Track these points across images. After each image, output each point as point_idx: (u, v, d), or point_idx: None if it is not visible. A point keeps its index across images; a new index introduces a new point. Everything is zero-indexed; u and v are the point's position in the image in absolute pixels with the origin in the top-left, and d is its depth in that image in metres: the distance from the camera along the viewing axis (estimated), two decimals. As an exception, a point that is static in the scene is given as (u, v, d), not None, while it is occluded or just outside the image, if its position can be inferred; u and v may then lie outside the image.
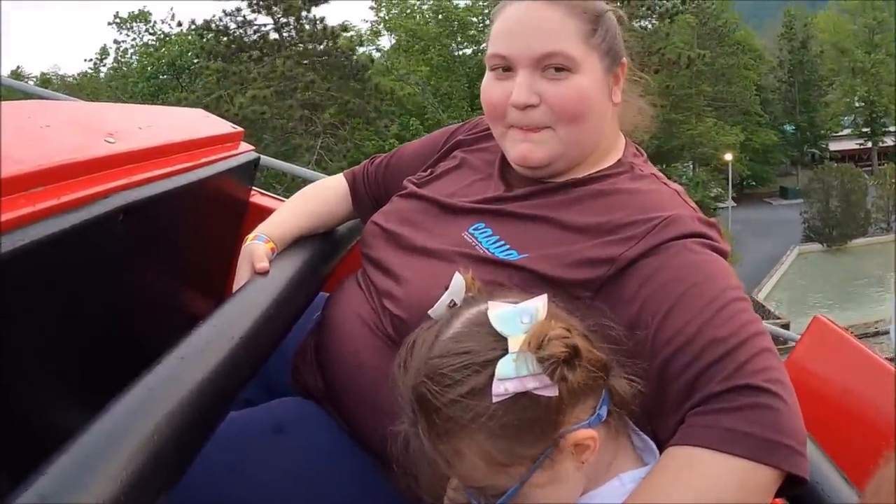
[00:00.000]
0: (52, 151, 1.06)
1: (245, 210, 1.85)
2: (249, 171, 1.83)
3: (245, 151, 1.78)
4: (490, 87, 1.21)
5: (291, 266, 1.36)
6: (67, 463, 0.70)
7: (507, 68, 1.17)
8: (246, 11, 25.89)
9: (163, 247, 1.41)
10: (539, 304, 0.78)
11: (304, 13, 25.57)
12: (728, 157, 33.01)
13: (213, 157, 1.57)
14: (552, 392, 0.75)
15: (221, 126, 1.78)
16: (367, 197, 1.57)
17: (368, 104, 26.38)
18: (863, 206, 36.02)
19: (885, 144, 45.84)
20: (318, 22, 25.62)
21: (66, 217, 1.01)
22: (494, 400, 0.75)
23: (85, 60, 46.12)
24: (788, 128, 43.77)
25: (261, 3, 25.25)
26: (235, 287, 1.29)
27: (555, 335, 0.76)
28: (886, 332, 21.62)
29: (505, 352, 0.76)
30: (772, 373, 0.88)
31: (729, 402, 0.85)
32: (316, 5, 25.65)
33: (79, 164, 1.10)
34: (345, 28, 27.98)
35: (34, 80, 38.59)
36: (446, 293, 0.87)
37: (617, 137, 1.27)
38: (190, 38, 38.13)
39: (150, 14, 43.85)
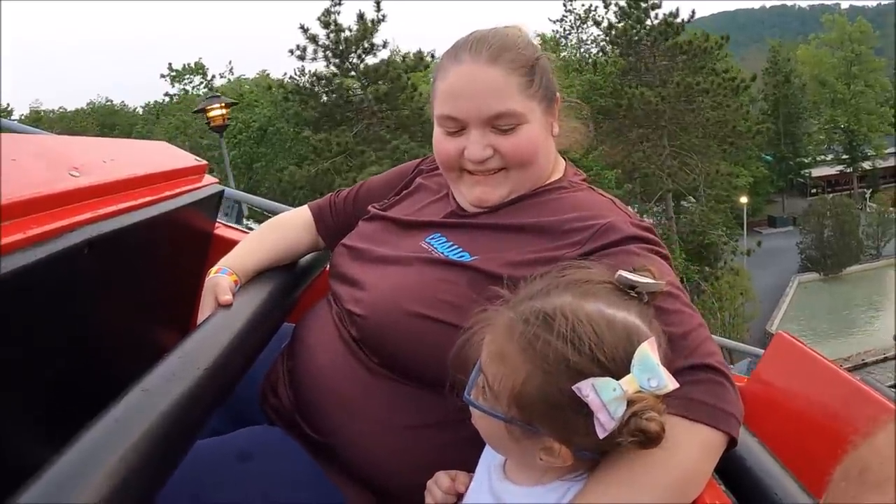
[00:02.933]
0: (19, 185, 1.08)
1: (209, 242, 1.85)
2: (213, 204, 1.84)
3: (209, 184, 1.79)
4: (443, 143, 1.29)
5: (255, 298, 1.38)
6: (35, 495, 0.70)
7: (457, 128, 1.26)
8: (336, 73, 24.04)
9: (128, 279, 1.42)
10: (671, 385, 0.82)
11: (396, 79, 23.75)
12: (744, 199, 33.88)
13: (178, 190, 1.59)
14: (601, 433, 0.79)
15: (185, 159, 1.79)
16: (334, 226, 1.61)
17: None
18: (855, 235, 36.31)
19: (864, 169, 47.28)
20: (413, 89, 23.79)
21: (33, 251, 1.01)
22: (573, 387, 0.79)
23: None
24: (767, 157, 44.20)
25: (352, 68, 23.87)
26: (199, 319, 1.31)
27: (657, 417, 0.79)
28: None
29: (616, 373, 0.80)
30: (718, 356, 1.01)
31: (692, 377, 0.95)
32: (414, 72, 24.14)
33: (45, 198, 1.11)
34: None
35: (10, 114, 35.72)
36: (644, 280, 0.89)
37: (557, 160, 1.36)
38: (257, 97, 35.86)
39: (206, 67, 42.11)
